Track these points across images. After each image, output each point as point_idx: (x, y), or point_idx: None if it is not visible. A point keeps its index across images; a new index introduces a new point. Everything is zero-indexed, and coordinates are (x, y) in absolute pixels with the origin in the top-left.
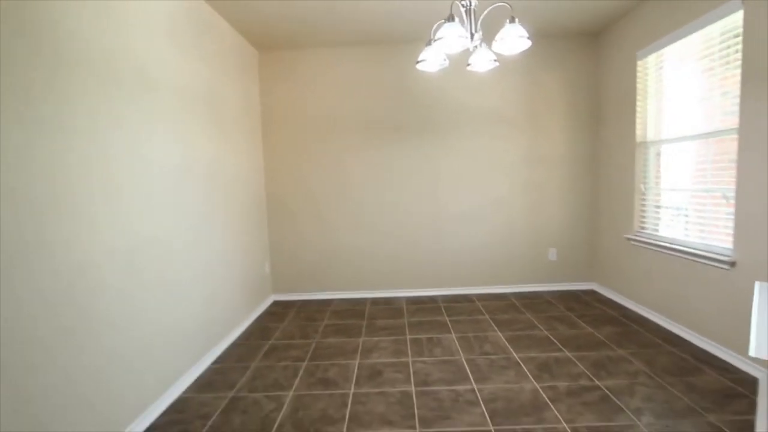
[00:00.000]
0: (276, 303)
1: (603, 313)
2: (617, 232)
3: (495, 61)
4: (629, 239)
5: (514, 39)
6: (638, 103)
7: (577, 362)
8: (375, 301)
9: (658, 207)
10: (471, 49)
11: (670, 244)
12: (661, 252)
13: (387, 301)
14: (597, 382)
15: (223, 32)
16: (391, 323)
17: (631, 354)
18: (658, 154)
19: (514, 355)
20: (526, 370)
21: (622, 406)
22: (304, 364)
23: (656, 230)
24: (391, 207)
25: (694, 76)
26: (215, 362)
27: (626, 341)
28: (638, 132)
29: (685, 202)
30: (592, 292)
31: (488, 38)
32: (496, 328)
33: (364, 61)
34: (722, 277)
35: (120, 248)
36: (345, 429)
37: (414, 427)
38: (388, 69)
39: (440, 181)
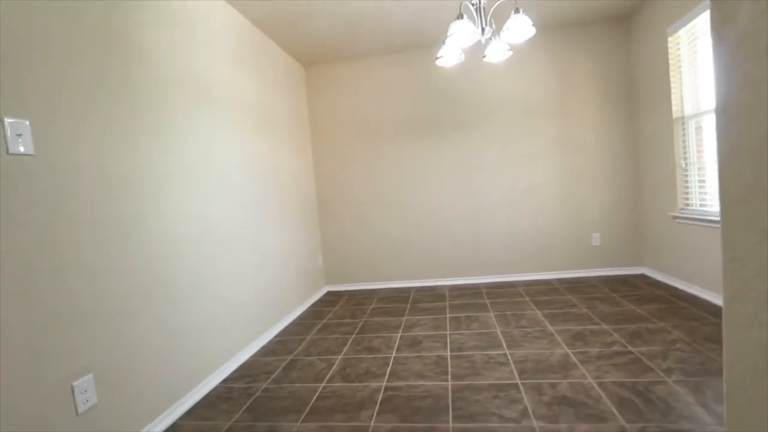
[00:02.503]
0: (329, 293)
1: (650, 293)
2: (662, 212)
3: (509, 50)
4: (675, 217)
5: (521, 28)
6: (672, 79)
7: (612, 333)
8: (419, 289)
9: (703, 181)
10: (483, 42)
11: (717, 217)
12: (709, 226)
13: (430, 288)
14: (630, 348)
15: (274, 53)
16: (432, 305)
17: (672, 326)
18: (699, 128)
19: (550, 327)
20: (559, 339)
21: (653, 367)
22: (353, 336)
23: (703, 205)
24: (431, 201)
25: None
26: (276, 336)
27: (670, 315)
28: (674, 108)
29: None
30: (642, 276)
31: (502, 31)
32: (534, 307)
33: (395, 67)
34: None
35: (194, 232)
36: (385, 380)
37: (446, 381)
38: (418, 72)
39: (477, 173)
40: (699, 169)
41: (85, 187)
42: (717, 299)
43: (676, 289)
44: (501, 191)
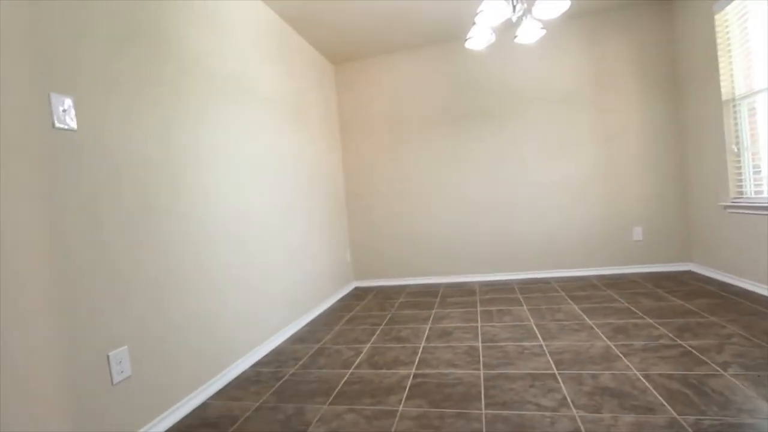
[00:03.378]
0: (357, 288)
1: (699, 288)
2: (711, 202)
3: (542, 29)
4: (726, 207)
5: (554, 1)
6: (721, 59)
7: (658, 326)
8: (449, 285)
9: (758, 167)
10: (515, 20)
11: None
12: (765, 215)
13: (460, 284)
14: (679, 341)
15: (305, 51)
16: (462, 300)
17: (726, 321)
18: (752, 109)
19: (588, 321)
20: (599, 332)
21: (707, 360)
22: (381, 327)
23: (759, 192)
24: (460, 195)
25: None
26: (305, 326)
27: (722, 310)
28: (724, 89)
29: None
30: (689, 273)
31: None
32: (570, 301)
33: (424, 60)
34: None
35: (230, 221)
36: (414, 368)
37: (478, 369)
38: (447, 64)
39: (507, 166)
40: (753, 153)
41: (129, 166)
42: None
43: (728, 284)
44: (534, 183)
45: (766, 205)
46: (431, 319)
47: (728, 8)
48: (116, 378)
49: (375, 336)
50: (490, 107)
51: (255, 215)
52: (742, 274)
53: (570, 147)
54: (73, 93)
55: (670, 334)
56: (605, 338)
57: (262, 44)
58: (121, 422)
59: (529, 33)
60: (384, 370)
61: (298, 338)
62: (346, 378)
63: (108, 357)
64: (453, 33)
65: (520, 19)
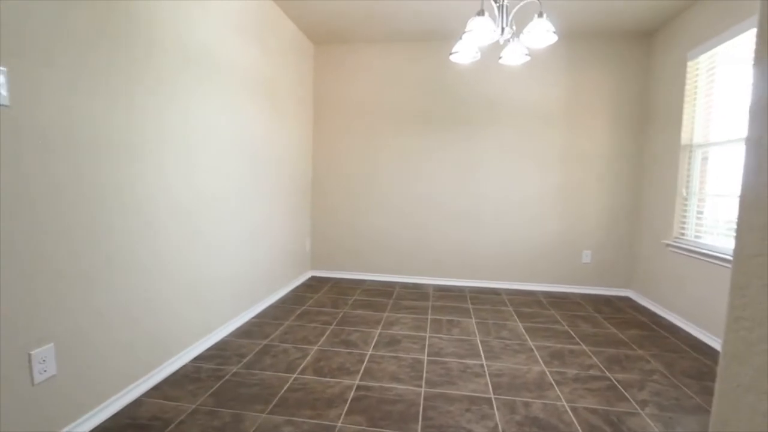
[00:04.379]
0: (313, 278)
1: (633, 318)
2: (656, 238)
3: (527, 55)
4: (668, 245)
5: (542, 33)
6: (686, 105)
7: (591, 355)
8: (404, 285)
9: (701, 213)
10: (502, 43)
11: (711, 251)
12: (700, 259)
13: (415, 286)
14: (608, 374)
15: (283, 25)
16: (415, 304)
17: (651, 355)
18: (705, 158)
19: (530, 342)
20: (538, 355)
21: (628, 396)
22: (331, 327)
23: (698, 237)
24: (425, 197)
25: (749, 78)
26: (254, 317)
27: (649, 344)
28: (684, 135)
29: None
30: (627, 299)
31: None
32: (517, 318)
33: (406, 57)
34: None
35: (182, 201)
36: (359, 378)
37: (420, 386)
38: (429, 65)
39: (474, 174)
40: (699, 200)
41: (69, 146)
42: (698, 332)
43: (659, 316)
44: (499, 195)
45: (701, 251)
46: (382, 323)
47: (701, 57)
48: (38, 378)
49: (324, 337)
50: (466, 114)
51: (216, 196)
52: (673, 309)
53: (536, 164)
54: (5, 63)
55: (601, 365)
56: (542, 363)
57: (238, 13)
58: (38, 423)
59: (514, 57)
60: (328, 378)
61: (245, 331)
62: (289, 384)
63: (30, 356)
64: (441, 33)
65: (507, 42)
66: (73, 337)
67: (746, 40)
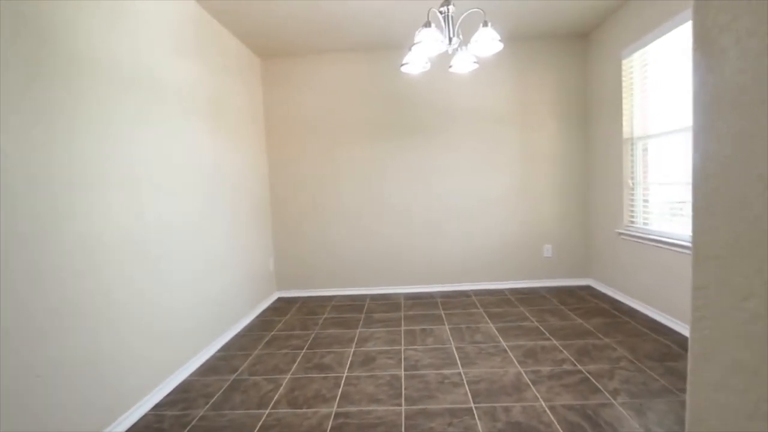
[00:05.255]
0: (280, 299)
1: (595, 306)
2: (609, 228)
3: (475, 63)
4: (620, 233)
5: (488, 41)
6: (624, 101)
7: (562, 349)
8: (374, 297)
9: (647, 201)
10: (450, 52)
11: (660, 237)
12: (650, 245)
13: (385, 297)
14: (579, 366)
15: (227, 42)
16: (387, 316)
17: (616, 342)
18: (645, 150)
19: (503, 343)
20: (512, 356)
21: (600, 387)
22: (303, 352)
23: (646, 224)
24: (387, 206)
25: (679, 72)
26: (219, 350)
27: (613, 331)
28: (625, 129)
29: (680, 195)
30: (588, 288)
31: (469, 42)
32: (488, 320)
33: (357, 65)
34: None
35: (130, 235)
36: (336, 405)
37: (400, 405)
38: (381, 73)
39: (435, 180)
40: (644, 189)
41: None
42: (655, 314)
43: (619, 302)
44: (460, 199)
45: (649, 236)
46: (355, 340)
47: (634, 55)
48: None
49: (296, 364)
50: (421, 121)
51: (167, 226)
52: (631, 294)
53: (493, 165)
54: None
55: (572, 358)
56: (517, 363)
57: (177, 33)
58: None
59: (463, 65)
60: (304, 409)
61: (210, 367)
62: (262, 421)
63: None
64: (390, 42)
65: (455, 51)
66: (7, 398)
67: (676, 37)
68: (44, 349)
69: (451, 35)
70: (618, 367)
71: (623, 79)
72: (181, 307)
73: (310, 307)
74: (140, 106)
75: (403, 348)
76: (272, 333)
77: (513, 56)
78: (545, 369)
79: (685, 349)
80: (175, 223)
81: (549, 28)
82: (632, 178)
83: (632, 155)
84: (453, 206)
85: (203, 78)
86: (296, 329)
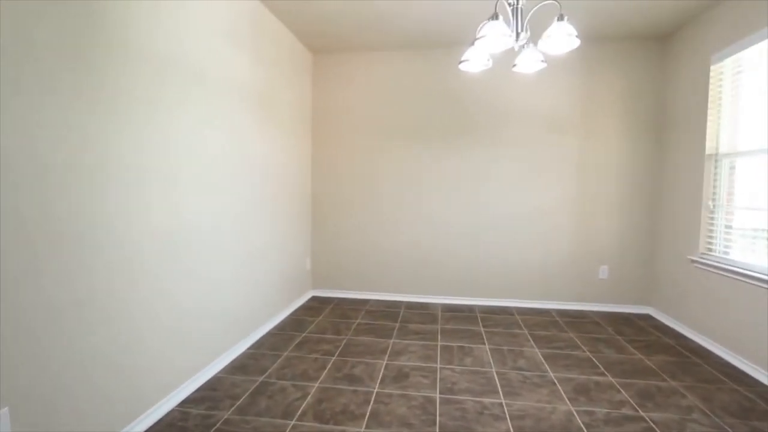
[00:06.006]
0: (314, 298)
1: (658, 340)
2: (680, 253)
3: (543, 61)
4: (694, 261)
5: (563, 37)
6: (710, 112)
7: (620, 389)
8: (409, 305)
9: (729, 227)
10: (516, 49)
11: (744, 269)
12: (731, 278)
13: (422, 306)
14: (642, 413)
15: (280, 35)
16: (423, 328)
17: (685, 387)
18: (732, 168)
19: (551, 373)
20: (561, 390)
21: None
22: (333, 358)
23: (726, 253)
24: (430, 212)
25: None
26: (250, 348)
27: (681, 372)
28: (709, 143)
29: (764, 223)
30: (648, 317)
31: (537, 39)
32: (533, 343)
33: (409, 64)
34: None
35: (166, 228)
36: (364, 426)
37: None
38: (433, 72)
39: (483, 187)
40: (728, 213)
41: (35, 176)
42: (733, 358)
43: (686, 338)
44: (509, 209)
45: (733, 268)
46: (389, 352)
47: (726, 61)
48: None
49: (326, 371)
50: (470, 125)
51: (207, 220)
52: (703, 331)
53: (549, 175)
54: None
55: (632, 401)
56: (567, 400)
57: (231, 24)
58: None
59: (529, 64)
60: (331, 425)
61: (239, 366)
62: None
63: None
64: (444, 40)
65: (521, 48)
66: (35, 394)
67: None
68: (74, 341)
69: (519, 30)
70: (689, 419)
71: (711, 87)
72: (213, 305)
73: (344, 309)
74: (184, 92)
75: (438, 366)
76: (304, 334)
77: (578, 59)
78: (600, 411)
79: None
80: (214, 220)
81: (623, 29)
82: (713, 200)
83: (715, 174)
84: (499, 215)
85: (256, 70)
86: (328, 332)
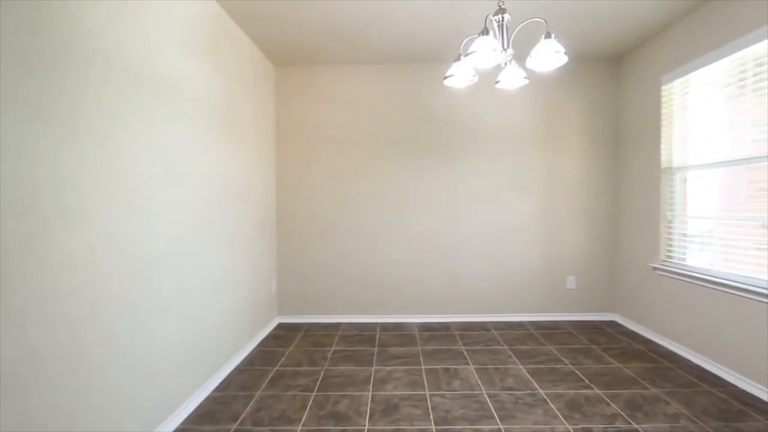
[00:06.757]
0: (281, 325)
1: (629, 347)
2: (641, 261)
3: (525, 78)
4: (655, 268)
5: (550, 54)
6: (663, 129)
7: (609, 401)
8: (384, 327)
9: (685, 235)
10: (502, 65)
11: (702, 274)
12: (692, 283)
13: (397, 326)
14: (635, 425)
15: (242, 45)
16: (403, 351)
17: (666, 393)
18: (685, 181)
19: (540, 391)
20: (554, 408)
21: None
22: (313, 394)
23: (683, 259)
24: (404, 229)
25: (722, 102)
26: (216, 389)
27: (659, 379)
28: (664, 158)
29: (711, 230)
30: (614, 324)
31: (518, 56)
32: (516, 360)
33: (378, 78)
34: (765, 311)
35: (111, 262)
36: None
37: None
38: (402, 87)
39: (453, 204)
40: (682, 222)
41: None
42: (699, 360)
43: (654, 342)
44: (481, 226)
45: (693, 273)
46: (372, 381)
47: (675, 82)
48: None
49: (307, 411)
50: (443, 140)
51: (160, 248)
52: (668, 335)
53: (517, 192)
54: None
55: (623, 413)
56: (563, 418)
57: (190, 31)
58: None
59: (513, 80)
60: None
61: (207, 413)
62: None
63: None
64: (414, 55)
65: (506, 64)
66: None
67: (720, 67)
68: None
69: (504, 47)
70: (679, 427)
71: (663, 105)
72: (175, 337)
73: (316, 336)
74: (144, 104)
75: (428, 393)
76: (276, 368)
77: (544, 77)
78: (597, 428)
79: (748, 406)
80: (167, 245)
81: (579, 51)
82: (671, 210)
83: (671, 185)
84: (472, 232)
85: (215, 81)
86: (303, 364)
